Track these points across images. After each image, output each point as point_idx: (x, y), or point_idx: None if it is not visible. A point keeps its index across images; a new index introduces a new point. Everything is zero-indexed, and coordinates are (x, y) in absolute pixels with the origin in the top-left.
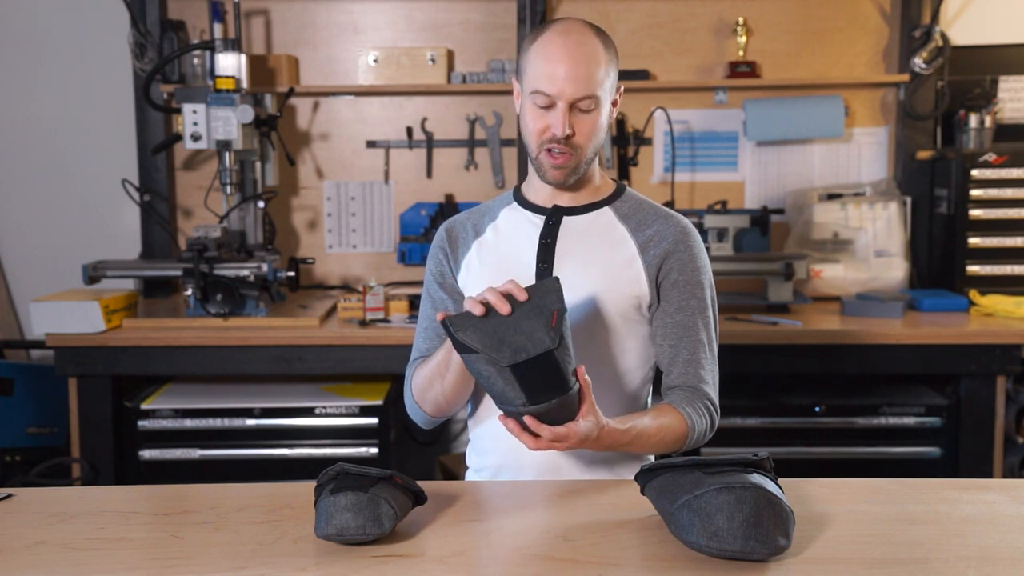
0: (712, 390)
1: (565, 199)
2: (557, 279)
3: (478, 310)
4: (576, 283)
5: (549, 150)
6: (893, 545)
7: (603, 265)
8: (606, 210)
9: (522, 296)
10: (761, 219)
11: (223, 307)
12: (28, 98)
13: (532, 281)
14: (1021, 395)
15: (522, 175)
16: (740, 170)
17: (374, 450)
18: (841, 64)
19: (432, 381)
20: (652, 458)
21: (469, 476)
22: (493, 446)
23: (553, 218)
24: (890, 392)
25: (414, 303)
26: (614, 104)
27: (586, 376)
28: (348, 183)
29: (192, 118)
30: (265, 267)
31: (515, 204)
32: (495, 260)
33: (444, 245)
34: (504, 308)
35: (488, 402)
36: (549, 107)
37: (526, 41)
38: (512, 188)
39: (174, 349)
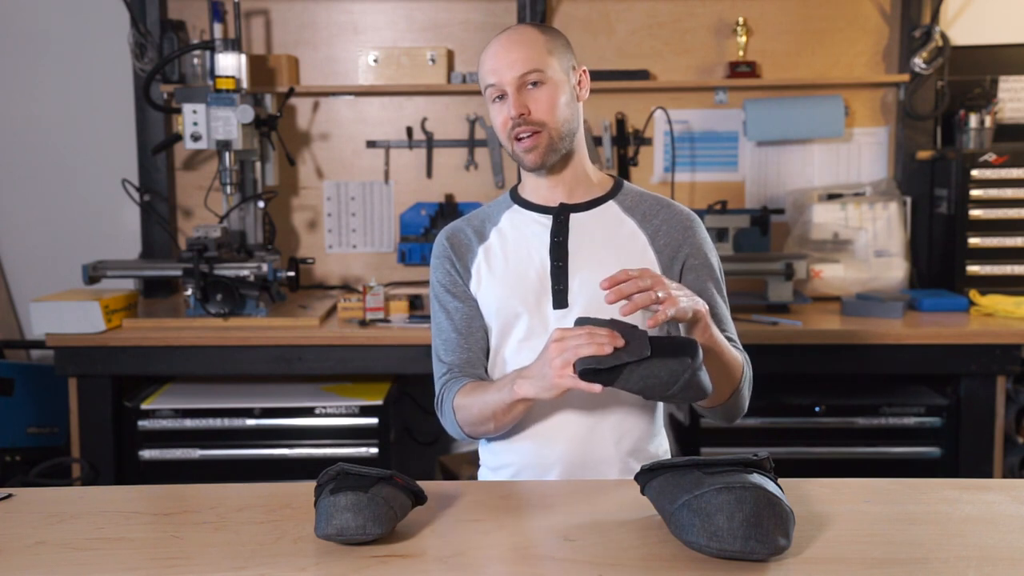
0: (742, 347)
1: (565, 196)
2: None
3: (606, 350)
4: (593, 278)
5: (518, 138)
6: (893, 545)
7: (617, 258)
8: (610, 204)
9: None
10: (761, 219)
11: (223, 307)
12: (28, 98)
13: (548, 280)
14: (1021, 395)
15: (519, 177)
16: (740, 170)
17: (374, 450)
18: (841, 64)
19: (486, 419)
20: (668, 453)
21: (483, 475)
22: (512, 446)
23: (561, 216)
24: (890, 392)
25: (414, 303)
26: (579, 85)
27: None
28: (348, 183)
29: (192, 118)
30: (265, 267)
31: (516, 206)
32: (507, 263)
33: (448, 254)
34: (619, 341)
35: None
36: (503, 97)
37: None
38: (507, 192)
39: (174, 349)
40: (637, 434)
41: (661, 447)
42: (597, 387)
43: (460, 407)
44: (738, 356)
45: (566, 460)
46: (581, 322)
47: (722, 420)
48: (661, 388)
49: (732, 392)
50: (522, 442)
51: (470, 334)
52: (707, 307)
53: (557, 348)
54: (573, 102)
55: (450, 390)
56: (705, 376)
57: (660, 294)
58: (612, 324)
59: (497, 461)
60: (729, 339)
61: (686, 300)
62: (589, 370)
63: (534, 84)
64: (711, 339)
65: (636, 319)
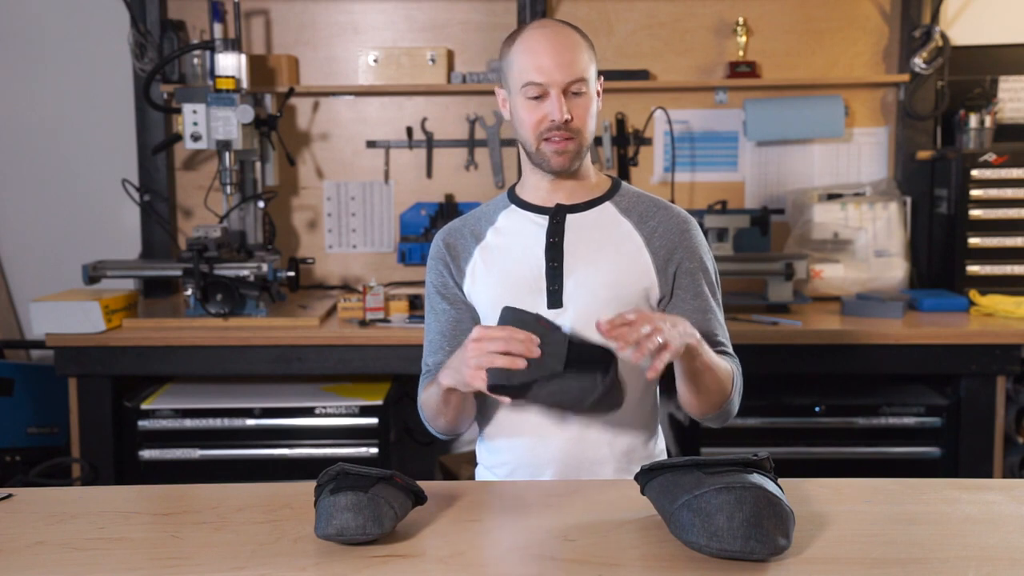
0: (733, 352)
1: (564, 197)
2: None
3: (518, 365)
4: (588, 279)
5: (548, 139)
6: (893, 545)
7: (612, 259)
8: (607, 205)
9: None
10: (761, 219)
11: (223, 307)
12: (28, 98)
13: (543, 281)
14: (1021, 395)
15: (519, 175)
16: (740, 170)
17: (374, 450)
18: (841, 64)
19: (436, 413)
20: (666, 454)
21: (480, 473)
22: (508, 444)
23: (557, 217)
24: (890, 392)
25: (414, 303)
26: (598, 95)
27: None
28: (348, 183)
29: (192, 118)
30: (265, 267)
31: (513, 206)
32: (502, 263)
33: (443, 256)
34: (534, 352)
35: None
36: (541, 97)
37: (504, 46)
38: (505, 192)
39: (174, 349)
40: (633, 434)
41: (657, 447)
42: (506, 399)
43: (421, 404)
44: (728, 368)
45: (561, 459)
46: (506, 313)
47: (713, 425)
48: (571, 404)
49: (722, 403)
50: (518, 440)
51: (454, 337)
52: (697, 335)
53: (474, 349)
54: (597, 112)
55: (422, 386)
56: (619, 389)
57: (659, 339)
58: (536, 321)
59: (493, 459)
60: (720, 344)
61: (678, 338)
62: (498, 385)
63: (577, 92)
64: (704, 364)
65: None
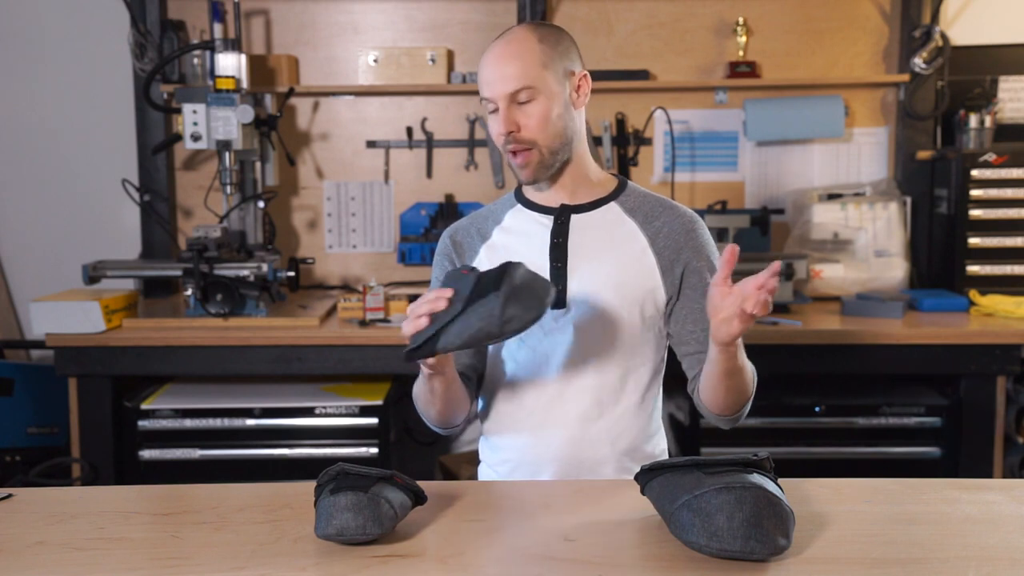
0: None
1: (568, 197)
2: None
3: (421, 323)
4: (592, 279)
5: (513, 152)
6: (893, 545)
7: (617, 260)
8: (612, 205)
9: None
10: (761, 219)
11: (223, 307)
12: (28, 98)
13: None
14: (1021, 395)
15: None
16: (740, 170)
17: (374, 450)
18: (841, 64)
19: (427, 402)
20: (666, 454)
21: (483, 471)
22: (509, 442)
23: (562, 217)
24: (890, 392)
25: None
26: (577, 90)
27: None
28: (348, 183)
29: (192, 118)
30: (265, 267)
31: (519, 206)
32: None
33: (450, 253)
34: (439, 304)
35: (502, 396)
36: (497, 111)
37: None
38: (512, 190)
39: (174, 349)
40: (633, 434)
41: (658, 447)
42: (426, 366)
43: (415, 397)
44: (752, 371)
45: (561, 458)
46: (449, 275)
47: (725, 426)
48: (486, 334)
49: (743, 404)
50: (518, 439)
51: None
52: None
53: (405, 325)
54: (568, 111)
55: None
56: (537, 285)
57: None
58: (459, 271)
59: (495, 457)
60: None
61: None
62: (410, 350)
63: (525, 101)
64: (741, 362)
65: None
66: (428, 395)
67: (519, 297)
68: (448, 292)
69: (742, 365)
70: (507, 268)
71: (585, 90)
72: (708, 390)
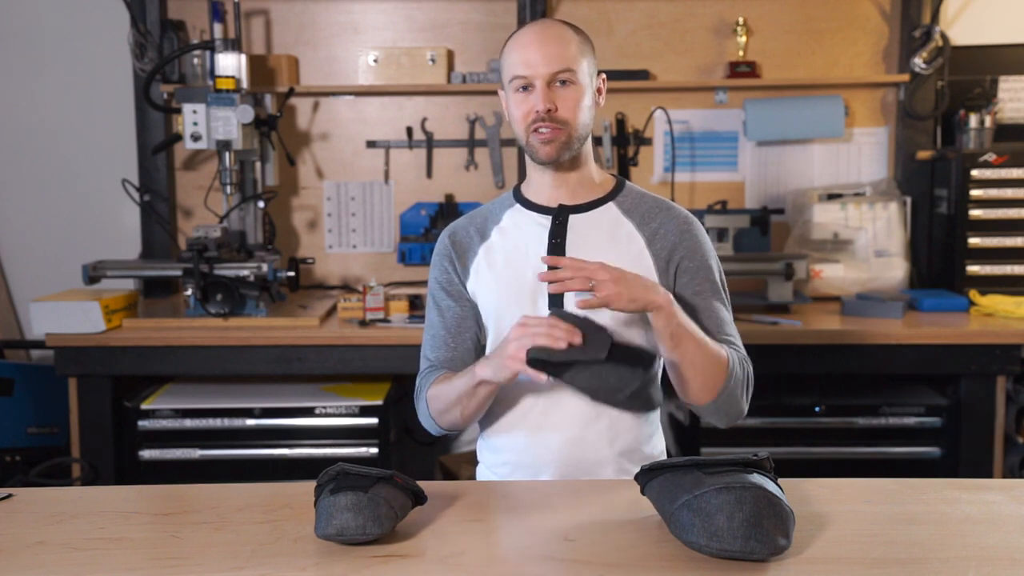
0: (741, 347)
1: (567, 196)
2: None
3: (559, 345)
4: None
5: (536, 129)
6: (893, 545)
7: (614, 260)
8: (610, 206)
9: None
10: (761, 219)
11: (223, 307)
12: (28, 98)
13: (543, 282)
14: (1021, 395)
15: (521, 175)
16: (740, 170)
17: (374, 450)
18: (841, 64)
19: (452, 405)
20: (666, 454)
21: (481, 472)
22: (508, 443)
23: (560, 217)
24: (890, 392)
25: (414, 303)
26: (599, 92)
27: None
28: (348, 183)
29: (192, 118)
30: (265, 267)
31: (518, 206)
32: (506, 262)
33: (449, 252)
34: (576, 339)
35: (501, 398)
36: (528, 89)
37: (502, 47)
38: (511, 190)
39: (174, 349)
40: (633, 435)
41: (657, 448)
42: (543, 376)
43: (433, 397)
44: (721, 350)
45: (561, 459)
46: (554, 312)
47: (719, 422)
48: (608, 393)
49: (720, 389)
50: (518, 440)
51: (459, 334)
52: (669, 298)
53: (517, 332)
54: (593, 107)
55: (427, 380)
56: (657, 391)
57: (600, 277)
58: (582, 322)
59: (494, 459)
60: (729, 341)
61: (640, 292)
62: (538, 359)
63: (563, 83)
64: (678, 328)
65: (605, 320)
66: (465, 398)
67: (649, 387)
68: (579, 332)
69: (690, 336)
70: (655, 357)
71: (603, 92)
72: (669, 372)
